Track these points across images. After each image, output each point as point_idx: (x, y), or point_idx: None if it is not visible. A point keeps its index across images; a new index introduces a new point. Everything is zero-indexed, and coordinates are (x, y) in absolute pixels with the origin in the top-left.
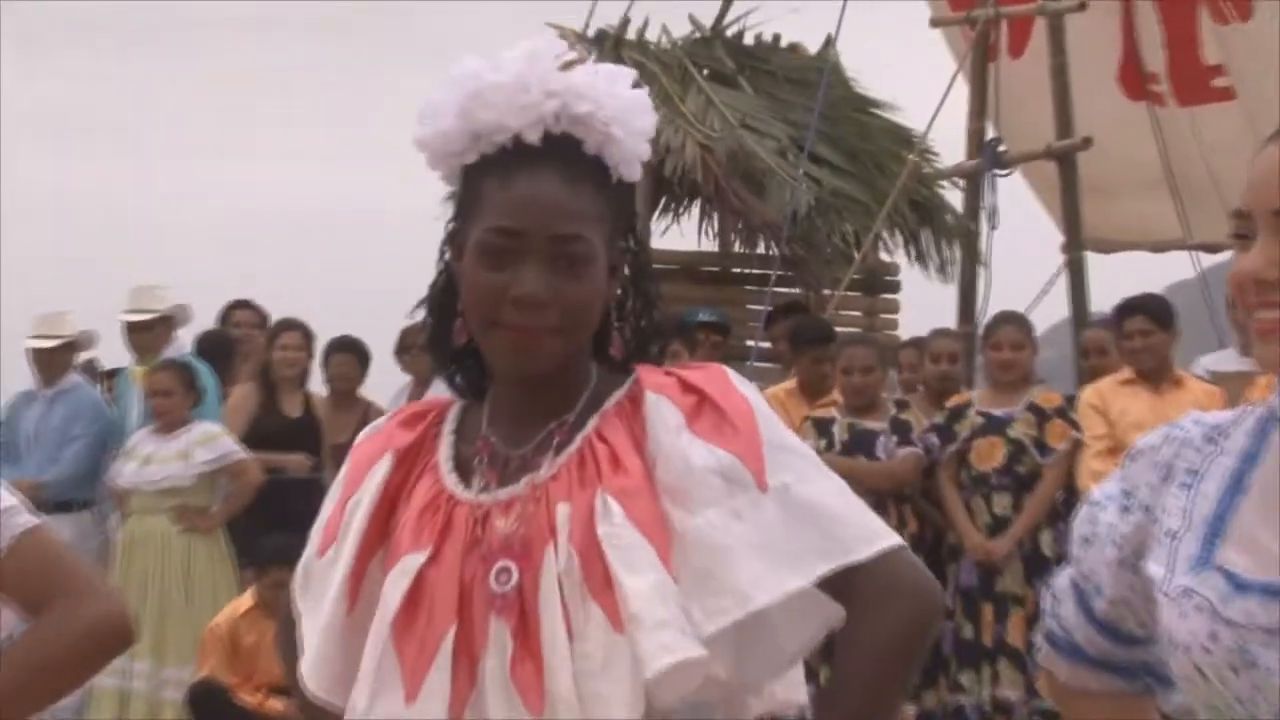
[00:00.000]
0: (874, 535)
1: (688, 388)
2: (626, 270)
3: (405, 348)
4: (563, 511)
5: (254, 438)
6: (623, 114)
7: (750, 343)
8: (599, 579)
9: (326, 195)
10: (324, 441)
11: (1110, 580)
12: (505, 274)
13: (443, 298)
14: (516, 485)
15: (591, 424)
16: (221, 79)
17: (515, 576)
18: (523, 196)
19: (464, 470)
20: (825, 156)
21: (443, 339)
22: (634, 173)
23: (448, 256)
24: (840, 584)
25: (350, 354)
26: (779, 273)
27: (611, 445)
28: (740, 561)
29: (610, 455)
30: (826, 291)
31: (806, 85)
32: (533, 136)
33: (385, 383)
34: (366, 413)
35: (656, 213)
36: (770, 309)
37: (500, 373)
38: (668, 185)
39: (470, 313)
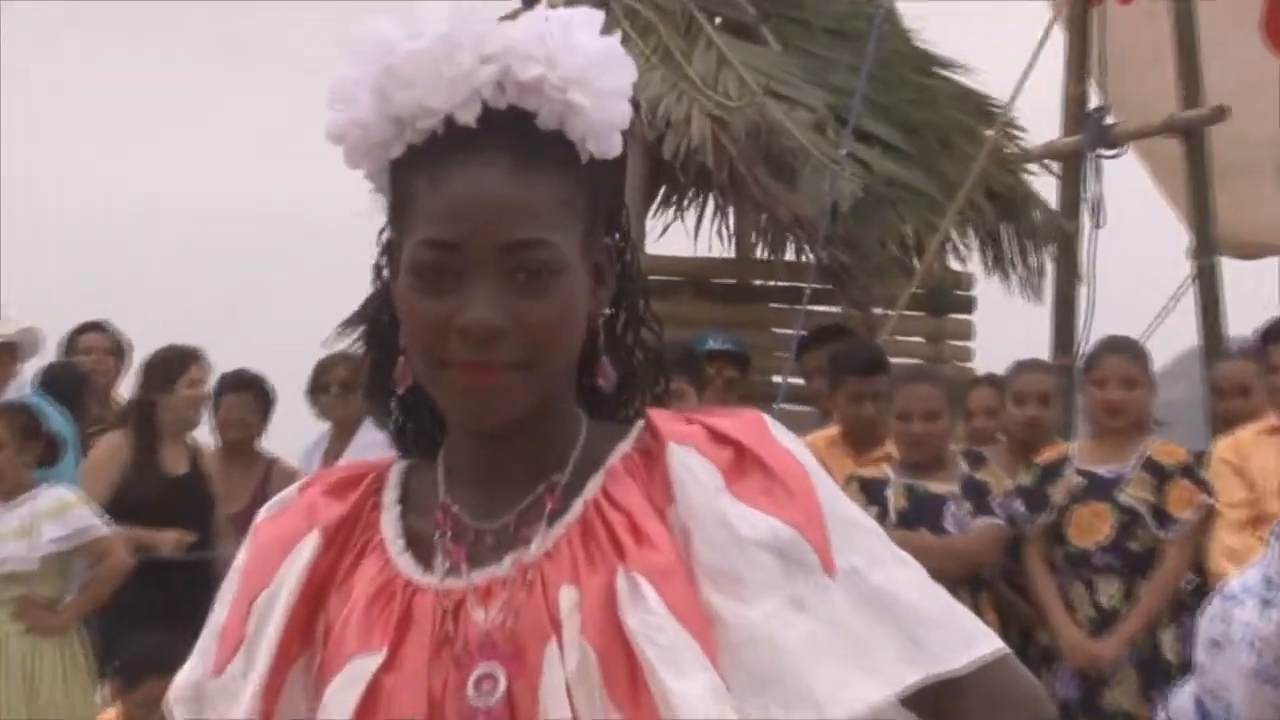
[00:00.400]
0: (970, 638)
1: (719, 438)
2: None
3: (321, 386)
4: (568, 598)
5: (124, 505)
6: (584, 72)
7: (777, 379)
8: (625, 684)
9: (215, 190)
10: (216, 507)
11: (1245, 697)
12: (448, 299)
13: (382, 327)
14: (498, 566)
15: (594, 484)
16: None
17: (502, 684)
18: (458, 197)
19: (419, 549)
20: (876, 132)
21: (385, 382)
22: (610, 146)
23: (385, 274)
24: (929, 699)
25: (247, 394)
26: (815, 286)
27: (627, 511)
28: (808, 665)
29: (628, 524)
30: (878, 311)
31: (851, 39)
32: (467, 117)
33: (294, 432)
34: (269, 472)
35: (654, 208)
36: (803, 334)
37: (458, 424)
38: (668, 171)
39: (411, 350)
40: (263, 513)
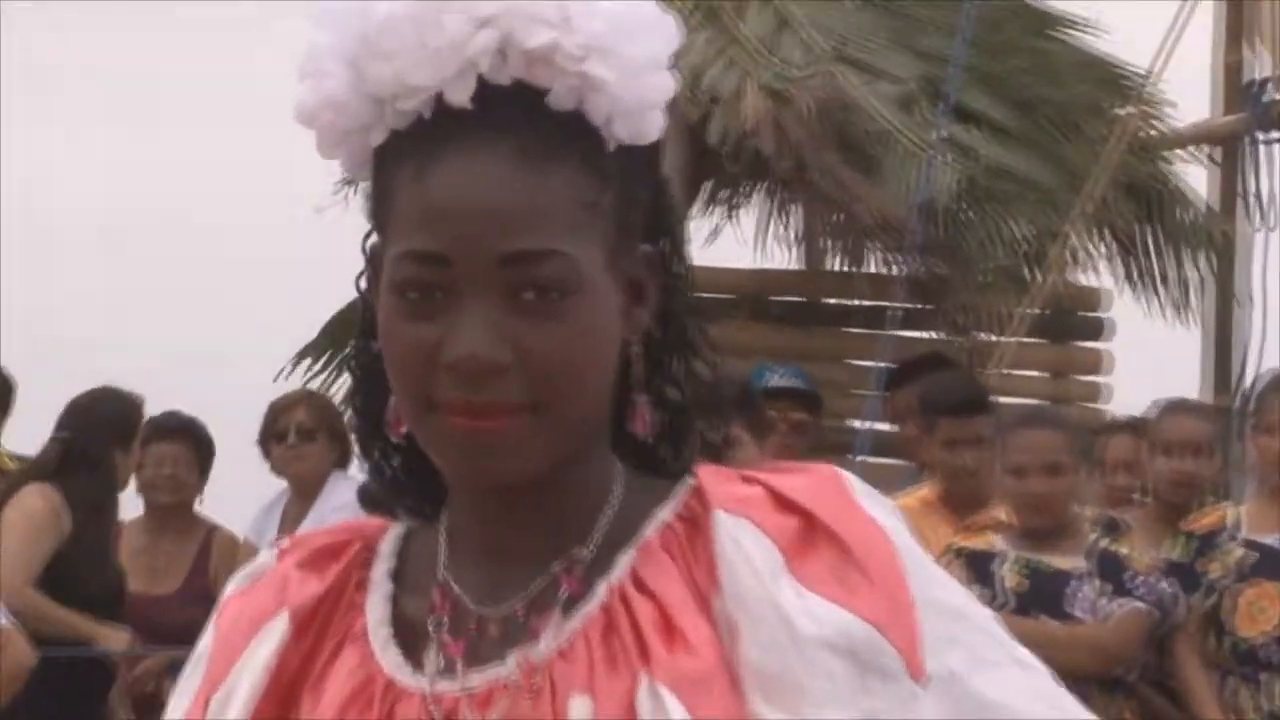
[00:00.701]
0: None
1: (784, 504)
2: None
3: (276, 434)
4: (580, 710)
5: (59, 586)
6: (608, 37)
7: (856, 423)
8: None
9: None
10: (125, 595)
11: None
12: (436, 324)
13: (370, 357)
14: (500, 665)
15: (623, 564)
16: None
17: None
18: (447, 197)
19: (410, 639)
20: (981, 110)
21: (376, 426)
22: (644, 129)
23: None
24: None
25: (180, 443)
26: (904, 305)
27: (660, 600)
28: None
29: (659, 618)
30: (985, 336)
31: None
32: (460, 95)
33: (241, 492)
34: (209, 543)
35: (696, 206)
36: (890, 366)
37: (455, 481)
38: (714, 160)
39: (395, 388)
40: (232, 584)
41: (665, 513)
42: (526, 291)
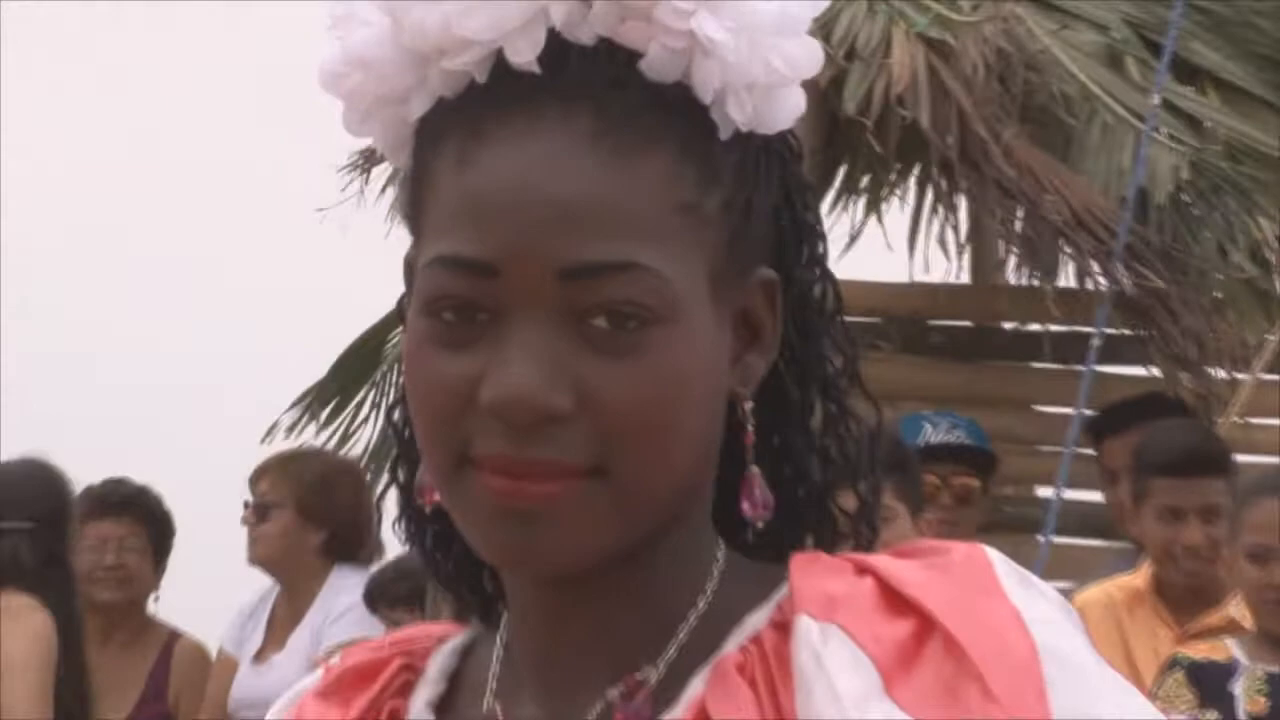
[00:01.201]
0: None
1: (895, 603)
2: (787, 322)
3: (261, 507)
4: None
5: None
6: None
7: (1044, 492)
8: None
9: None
10: None
11: None
12: (475, 355)
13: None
14: None
15: (691, 691)
16: None
17: None
18: (495, 187)
19: None
20: (1211, 67)
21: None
22: (770, 112)
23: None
24: None
25: (128, 521)
26: (1110, 331)
27: None
28: None
29: None
30: (1219, 373)
31: None
32: (523, 54)
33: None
34: (167, 654)
35: (827, 201)
36: (1092, 413)
37: (493, 565)
38: (850, 137)
39: (421, 437)
40: (275, 707)
41: (759, 617)
42: (596, 316)
